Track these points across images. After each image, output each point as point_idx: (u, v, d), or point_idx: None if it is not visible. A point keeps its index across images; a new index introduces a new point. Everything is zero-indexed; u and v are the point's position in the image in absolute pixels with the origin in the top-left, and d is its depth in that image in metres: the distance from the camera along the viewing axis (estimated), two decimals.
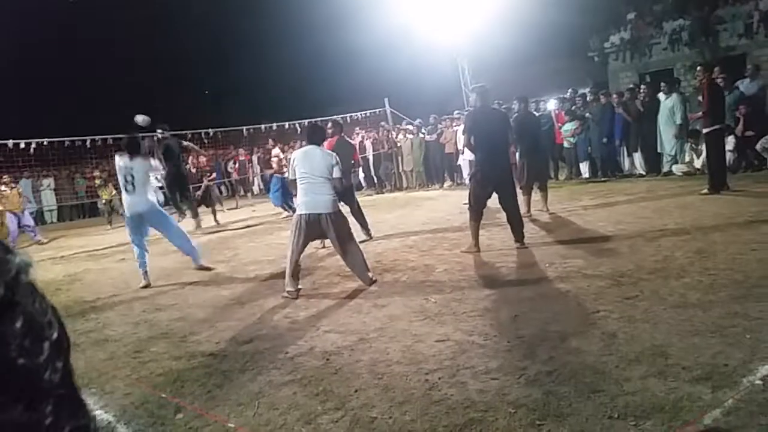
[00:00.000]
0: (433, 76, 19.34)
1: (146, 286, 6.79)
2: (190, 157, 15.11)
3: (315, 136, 5.94)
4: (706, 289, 4.27)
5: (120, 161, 6.87)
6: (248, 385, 3.57)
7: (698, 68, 9.22)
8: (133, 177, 6.71)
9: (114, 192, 14.67)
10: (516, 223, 6.64)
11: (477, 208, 6.67)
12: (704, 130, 8.84)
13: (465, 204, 10.88)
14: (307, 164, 5.61)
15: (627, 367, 3.15)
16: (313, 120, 16.82)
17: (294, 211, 11.38)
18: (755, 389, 2.74)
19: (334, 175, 5.66)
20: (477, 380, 3.24)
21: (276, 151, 13.64)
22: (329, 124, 8.65)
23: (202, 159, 16.49)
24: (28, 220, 12.95)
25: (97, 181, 16.68)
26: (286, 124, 16.91)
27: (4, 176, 12.68)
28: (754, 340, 3.27)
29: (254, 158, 20.47)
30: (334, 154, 5.87)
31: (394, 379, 3.39)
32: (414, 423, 2.86)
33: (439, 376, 3.36)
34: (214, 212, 12.75)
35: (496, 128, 6.61)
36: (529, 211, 8.55)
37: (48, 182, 19.35)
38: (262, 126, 16.97)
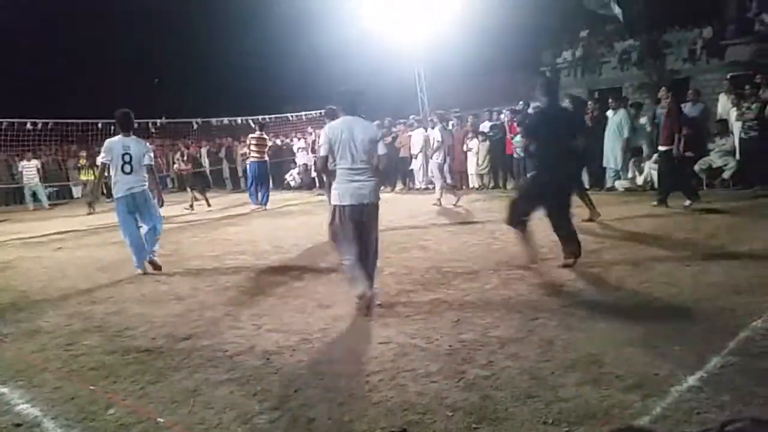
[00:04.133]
0: (390, 80, 19.43)
1: (143, 273, 6.51)
2: None
3: (353, 105, 4.78)
4: (641, 302, 4.43)
5: (116, 139, 6.47)
6: (183, 382, 3.48)
7: (662, 89, 9.51)
8: (131, 156, 6.36)
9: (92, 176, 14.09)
10: (567, 237, 5.71)
11: (519, 217, 5.71)
12: (663, 148, 9.09)
13: (434, 204, 11.08)
14: (348, 143, 4.59)
15: (563, 374, 3.23)
16: (263, 117, 16.66)
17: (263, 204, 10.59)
18: (682, 398, 2.84)
19: (379, 152, 4.73)
20: (417, 383, 3.25)
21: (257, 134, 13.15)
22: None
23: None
24: None
25: (82, 161, 16.01)
26: (239, 119, 16.66)
27: None
28: (683, 351, 3.40)
29: (203, 151, 20.04)
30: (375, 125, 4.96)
31: (335, 380, 3.36)
32: (352, 423, 2.85)
33: (379, 378, 3.35)
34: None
35: (564, 131, 5.60)
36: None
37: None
38: (213, 120, 16.68)
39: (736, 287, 4.56)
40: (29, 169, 16.52)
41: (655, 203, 9.03)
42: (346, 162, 4.61)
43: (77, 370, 3.82)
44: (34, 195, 16.63)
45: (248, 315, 4.79)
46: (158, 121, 15.48)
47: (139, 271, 6.56)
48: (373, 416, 2.90)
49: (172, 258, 7.57)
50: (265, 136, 13.11)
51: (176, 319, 4.79)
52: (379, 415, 2.91)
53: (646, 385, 3.00)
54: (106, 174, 6.63)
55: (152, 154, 6.76)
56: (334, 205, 4.73)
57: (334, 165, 4.67)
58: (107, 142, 6.56)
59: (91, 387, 3.49)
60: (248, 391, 3.29)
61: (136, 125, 6.77)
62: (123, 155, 6.36)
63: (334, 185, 4.73)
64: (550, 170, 5.54)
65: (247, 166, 13.46)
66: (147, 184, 6.54)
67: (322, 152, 4.72)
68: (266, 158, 12.98)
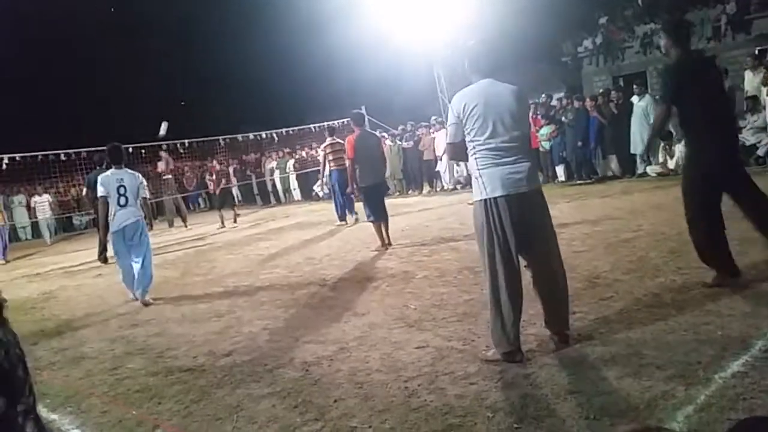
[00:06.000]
0: (409, 84, 19.44)
1: (147, 304, 6.44)
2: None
3: (489, 65, 3.64)
4: (679, 289, 4.34)
5: (109, 173, 6.53)
6: (226, 399, 3.54)
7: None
8: (125, 189, 6.45)
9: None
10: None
11: (702, 217, 4.27)
12: None
13: (470, 203, 10.84)
14: (493, 113, 3.47)
15: (603, 368, 3.19)
16: (289, 129, 16.77)
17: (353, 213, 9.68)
18: (726, 385, 2.78)
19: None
20: (456, 385, 3.25)
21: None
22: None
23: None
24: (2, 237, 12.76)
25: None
26: (263, 133, 16.88)
27: None
28: (725, 337, 3.33)
29: (230, 169, 20.36)
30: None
31: (373, 388, 3.38)
32: (393, 430, 2.86)
33: (418, 383, 3.36)
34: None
35: (713, 90, 4.30)
36: None
37: (19, 199, 19.02)
38: (239, 136, 16.93)
39: None
40: (41, 204, 17.04)
41: None
42: (494, 139, 3.46)
43: (123, 394, 3.92)
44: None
45: (285, 328, 4.85)
46: (186, 141, 15.77)
47: (131, 298, 6.63)
48: (413, 422, 2.91)
49: (209, 276, 7.71)
50: (339, 140, 11.26)
51: (216, 337, 4.87)
52: (420, 420, 2.91)
53: (689, 373, 2.95)
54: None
55: (146, 186, 6.87)
56: (481, 201, 3.50)
57: (474, 145, 3.52)
58: (101, 177, 6.62)
59: (136, 410, 3.58)
60: (289, 404, 3.33)
61: (142, 152, 6.99)
62: (118, 188, 6.44)
63: (475, 173, 3.55)
64: (712, 143, 4.15)
65: (329, 176, 12.12)
66: (141, 215, 6.61)
67: (450, 136, 3.66)
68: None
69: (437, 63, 16.25)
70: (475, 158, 3.50)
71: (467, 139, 3.53)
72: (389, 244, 7.90)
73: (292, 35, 25.64)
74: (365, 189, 7.83)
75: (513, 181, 3.41)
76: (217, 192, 14.21)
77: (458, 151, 3.66)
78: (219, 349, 4.50)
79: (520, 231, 3.40)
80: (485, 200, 3.44)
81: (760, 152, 10.12)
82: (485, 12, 15.55)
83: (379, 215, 7.84)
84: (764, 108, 10.10)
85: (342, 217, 11.29)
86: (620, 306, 4.16)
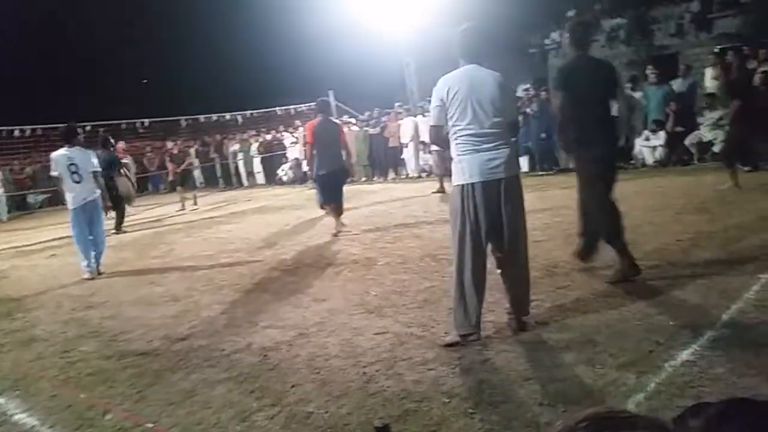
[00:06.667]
0: (377, 71, 19.34)
1: (91, 278, 6.68)
2: None
3: (476, 50, 3.65)
4: (634, 278, 4.43)
5: (61, 153, 6.71)
6: (181, 383, 3.48)
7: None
8: (77, 166, 6.61)
9: None
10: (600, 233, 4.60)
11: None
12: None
13: (434, 192, 10.95)
14: (474, 99, 3.50)
15: (558, 355, 3.25)
16: (254, 111, 16.46)
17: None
18: (675, 373, 2.86)
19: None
20: (414, 371, 3.26)
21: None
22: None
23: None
24: None
25: None
26: (227, 115, 16.58)
27: None
28: (675, 327, 3.42)
29: (192, 151, 19.93)
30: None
31: (331, 373, 3.37)
32: (350, 416, 2.86)
33: (376, 368, 3.36)
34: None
35: (599, 88, 4.49)
36: None
37: None
38: (202, 117, 16.59)
39: (728, 260, 4.58)
40: None
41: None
42: (474, 126, 3.50)
43: (74, 377, 3.83)
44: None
45: (244, 312, 4.79)
46: (145, 121, 15.37)
47: (87, 276, 6.71)
48: (370, 407, 2.91)
49: (167, 259, 7.57)
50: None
51: (172, 321, 4.79)
52: (376, 405, 2.92)
53: (641, 361, 3.02)
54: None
55: (96, 161, 7.02)
56: (459, 185, 3.56)
57: (455, 131, 3.56)
58: (52, 155, 6.84)
59: (87, 394, 3.49)
60: (246, 389, 3.29)
61: (81, 133, 7.33)
62: (69, 166, 6.61)
63: (455, 158, 3.61)
64: (586, 138, 4.45)
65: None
66: (98, 193, 6.80)
67: (434, 119, 3.67)
68: None
69: (406, 50, 16.21)
70: (456, 143, 3.55)
71: (449, 123, 3.56)
72: (338, 231, 7.93)
73: (261, 17, 25.15)
74: (322, 176, 7.89)
75: (491, 168, 3.47)
76: (177, 172, 13.88)
77: (440, 135, 3.68)
78: (175, 333, 4.42)
79: (492, 216, 3.49)
80: (463, 185, 3.51)
81: (716, 149, 10.40)
82: (454, 2, 15.54)
83: (328, 197, 7.93)
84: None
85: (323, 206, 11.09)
86: (576, 295, 4.23)
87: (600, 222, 4.56)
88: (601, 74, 4.53)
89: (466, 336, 3.50)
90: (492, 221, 3.50)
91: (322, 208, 8.04)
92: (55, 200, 18.74)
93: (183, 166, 13.93)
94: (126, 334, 4.58)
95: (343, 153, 7.97)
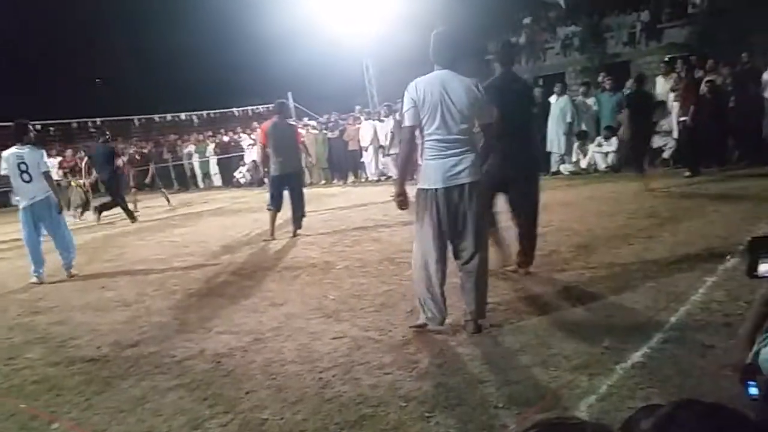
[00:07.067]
0: (337, 73, 19.28)
1: (39, 283, 6.48)
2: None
3: (452, 54, 3.71)
4: (587, 282, 4.53)
5: (10, 151, 6.53)
6: (131, 391, 3.38)
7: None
8: (27, 165, 6.43)
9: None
10: (528, 241, 4.91)
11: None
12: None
13: (392, 197, 10.86)
14: (444, 103, 3.54)
15: (513, 357, 3.28)
16: (210, 111, 16.19)
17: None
18: (627, 375, 2.92)
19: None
20: (371, 376, 3.24)
21: None
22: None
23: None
24: None
25: None
26: (182, 115, 16.26)
27: None
28: (627, 329, 3.49)
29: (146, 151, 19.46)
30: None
31: (287, 379, 3.33)
32: (306, 422, 2.82)
33: (333, 373, 3.33)
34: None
35: (520, 103, 4.78)
36: None
37: None
38: (156, 116, 16.23)
39: (677, 264, 4.72)
40: None
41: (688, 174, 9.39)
42: (441, 131, 3.57)
43: (18, 385, 3.68)
44: None
45: (197, 318, 4.69)
46: (97, 120, 14.94)
47: (35, 280, 6.53)
48: (326, 412, 2.88)
49: (117, 263, 7.37)
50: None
51: (122, 326, 4.65)
52: (333, 410, 2.89)
53: (593, 364, 3.07)
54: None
55: (47, 161, 6.88)
56: (423, 189, 3.67)
57: (424, 135, 3.64)
58: (2, 154, 6.72)
59: (32, 402, 3.35)
60: (198, 396, 3.22)
61: (32, 131, 6.85)
62: (18, 164, 6.45)
63: (422, 162, 3.71)
64: (507, 150, 4.57)
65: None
66: (50, 192, 6.60)
67: (408, 120, 3.65)
68: None
69: (366, 53, 16.23)
70: (424, 147, 3.65)
71: (412, 122, 3.63)
72: (295, 235, 7.94)
73: (220, 18, 24.79)
74: (275, 178, 7.85)
75: (453, 174, 3.56)
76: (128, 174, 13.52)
77: (413, 137, 3.71)
78: (125, 339, 4.30)
79: (455, 219, 3.62)
80: (427, 189, 3.62)
81: (665, 155, 10.74)
82: (415, 7, 15.64)
83: (277, 205, 7.89)
84: (671, 113, 10.70)
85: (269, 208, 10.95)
86: (531, 297, 4.30)
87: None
88: (524, 91, 4.85)
89: (435, 323, 3.74)
90: (455, 224, 3.62)
91: (268, 209, 7.93)
92: (4, 201, 18.06)
93: (151, 173, 13.66)
94: (74, 340, 4.43)
95: (304, 156, 7.93)
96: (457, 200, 3.58)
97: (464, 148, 3.58)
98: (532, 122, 4.84)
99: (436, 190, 3.57)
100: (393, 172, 11.48)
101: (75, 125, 13.94)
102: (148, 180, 13.72)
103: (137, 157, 14.89)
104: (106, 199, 11.85)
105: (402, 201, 3.72)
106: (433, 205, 3.59)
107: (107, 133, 10.79)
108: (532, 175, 4.91)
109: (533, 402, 2.76)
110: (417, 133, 3.70)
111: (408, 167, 3.90)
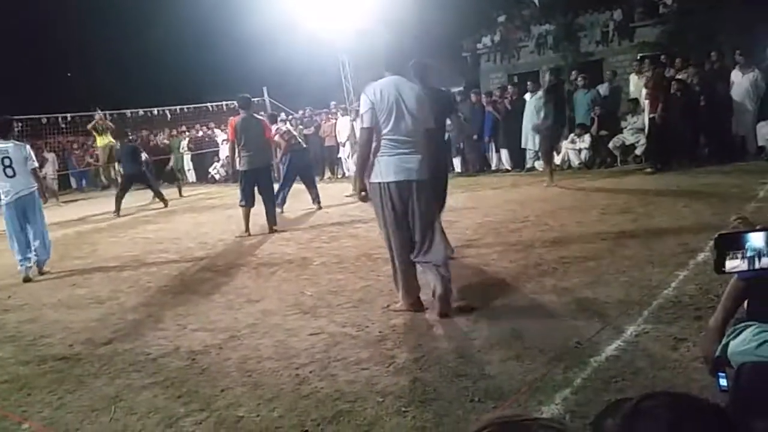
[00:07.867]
0: (314, 69, 19.15)
1: (27, 280, 6.36)
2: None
3: (402, 63, 4.24)
4: (560, 276, 4.59)
5: None
6: (104, 389, 3.33)
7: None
8: (11, 160, 6.38)
9: None
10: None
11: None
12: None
13: (347, 196, 10.96)
14: (399, 106, 3.88)
15: (488, 352, 3.31)
16: (183, 106, 15.97)
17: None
18: (601, 368, 2.97)
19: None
20: (348, 371, 3.24)
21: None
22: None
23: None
24: None
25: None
26: (155, 110, 15.99)
27: None
28: (601, 322, 3.55)
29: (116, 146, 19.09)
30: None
31: (263, 376, 3.31)
32: (282, 419, 2.81)
33: (310, 369, 3.32)
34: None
35: (439, 117, 5.04)
36: None
37: None
38: (128, 111, 15.93)
39: (649, 258, 4.80)
40: None
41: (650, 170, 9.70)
42: (394, 132, 3.87)
43: None
44: None
45: (172, 315, 4.63)
46: (68, 115, 14.63)
47: (24, 274, 6.43)
48: (303, 409, 2.87)
49: (89, 260, 7.24)
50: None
51: (96, 324, 4.58)
52: (309, 407, 2.88)
53: (567, 357, 3.12)
54: None
55: (34, 158, 6.81)
56: (376, 183, 3.96)
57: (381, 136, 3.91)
58: None
59: (1, 402, 3.28)
60: (173, 394, 3.18)
61: (18, 126, 6.89)
62: (2, 159, 6.39)
63: (374, 159, 3.96)
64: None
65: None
66: (35, 187, 6.57)
67: (367, 121, 3.91)
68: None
69: (343, 50, 16.16)
70: (378, 146, 3.93)
71: (372, 124, 3.90)
72: (273, 231, 7.90)
73: (195, 13, 24.41)
74: (244, 173, 7.82)
75: (404, 170, 3.89)
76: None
77: (372, 137, 3.92)
78: (98, 337, 4.23)
79: (406, 209, 3.94)
80: (380, 183, 3.93)
81: (638, 152, 10.92)
82: (391, 3, 15.62)
83: (249, 201, 7.85)
84: (643, 110, 10.87)
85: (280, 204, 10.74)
86: (506, 292, 4.34)
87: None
88: (441, 103, 5.17)
89: (416, 304, 4.06)
90: (405, 214, 3.95)
91: (240, 205, 7.88)
92: None
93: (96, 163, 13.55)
94: (46, 338, 4.34)
95: (277, 151, 7.88)
96: (406, 196, 3.90)
97: (414, 148, 3.92)
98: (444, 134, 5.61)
99: (388, 183, 3.89)
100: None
101: (45, 120, 13.60)
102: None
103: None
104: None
105: (364, 196, 4.09)
106: (387, 197, 3.90)
107: (129, 133, 10.91)
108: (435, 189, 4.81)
109: (508, 395, 2.79)
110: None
111: (366, 166, 4.06)
